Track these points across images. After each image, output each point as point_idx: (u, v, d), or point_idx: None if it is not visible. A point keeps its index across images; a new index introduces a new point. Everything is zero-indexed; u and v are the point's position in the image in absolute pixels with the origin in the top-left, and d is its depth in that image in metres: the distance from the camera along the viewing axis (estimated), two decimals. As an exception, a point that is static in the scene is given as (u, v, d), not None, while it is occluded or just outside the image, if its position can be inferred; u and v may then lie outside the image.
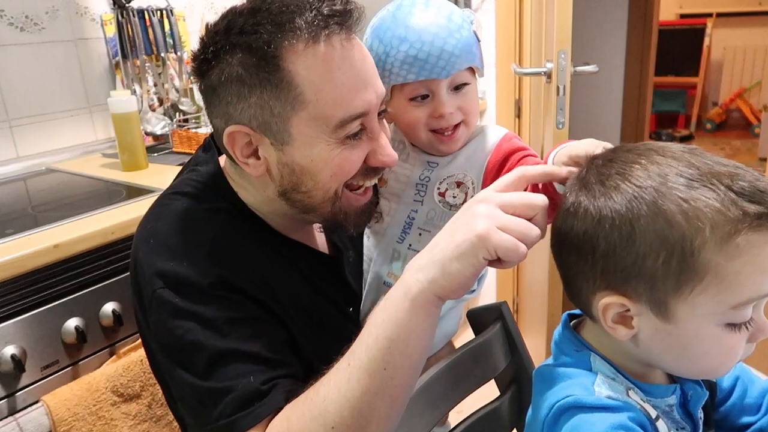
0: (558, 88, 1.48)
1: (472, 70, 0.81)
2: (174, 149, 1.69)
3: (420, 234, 0.85)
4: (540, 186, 0.67)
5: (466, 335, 0.89)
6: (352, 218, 0.77)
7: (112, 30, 1.68)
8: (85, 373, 1.10)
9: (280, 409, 0.66)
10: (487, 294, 2.38)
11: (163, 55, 1.79)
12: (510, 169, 0.78)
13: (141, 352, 1.12)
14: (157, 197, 0.80)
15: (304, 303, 0.78)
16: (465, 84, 0.81)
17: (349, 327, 0.85)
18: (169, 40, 1.79)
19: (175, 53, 1.81)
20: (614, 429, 0.47)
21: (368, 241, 0.90)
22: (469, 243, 0.56)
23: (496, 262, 0.57)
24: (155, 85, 1.81)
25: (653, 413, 0.53)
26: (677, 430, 0.57)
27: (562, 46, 1.46)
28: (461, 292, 0.59)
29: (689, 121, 5.14)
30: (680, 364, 0.54)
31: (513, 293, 2.33)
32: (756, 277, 0.48)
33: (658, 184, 0.49)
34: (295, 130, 0.68)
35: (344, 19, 0.68)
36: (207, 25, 0.71)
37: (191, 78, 0.70)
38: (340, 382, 0.61)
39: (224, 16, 0.70)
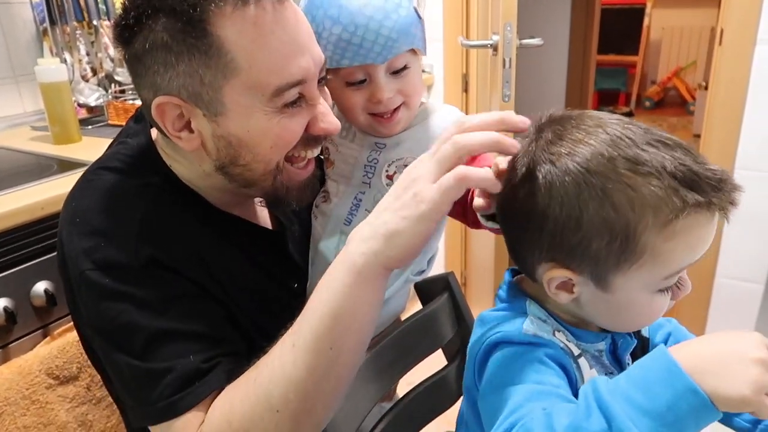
0: (504, 60, 1.49)
1: (413, 50, 0.77)
2: (110, 122, 1.61)
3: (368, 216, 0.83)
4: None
5: (415, 308, 0.89)
6: (294, 193, 0.74)
7: (38, -6, 1.58)
8: (16, 356, 1.04)
9: (222, 388, 0.64)
10: (435, 267, 2.39)
11: (95, 22, 1.69)
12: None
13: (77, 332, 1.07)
14: (84, 172, 0.74)
15: (244, 280, 0.75)
16: (405, 67, 0.76)
17: (294, 303, 0.83)
18: (102, 6, 1.69)
19: (109, 20, 1.71)
20: (529, 361, 0.52)
21: (316, 221, 0.87)
22: (417, 211, 0.54)
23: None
24: (88, 54, 1.71)
25: (576, 351, 0.56)
26: (606, 374, 0.60)
27: (508, 19, 1.46)
28: (410, 261, 0.58)
29: (629, 98, 5.29)
30: (613, 323, 0.58)
31: (461, 266, 2.36)
32: (686, 252, 0.52)
33: (607, 169, 0.50)
34: (228, 99, 0.64)
35: None
36: None
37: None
38: (285, 364, 0.59)
39: None
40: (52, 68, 1.38)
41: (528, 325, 0.56)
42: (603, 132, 0.52)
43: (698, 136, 1.78)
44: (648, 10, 5.13)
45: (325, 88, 0.73)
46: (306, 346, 0.58)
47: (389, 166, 0.81)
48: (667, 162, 0.49)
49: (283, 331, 0.62)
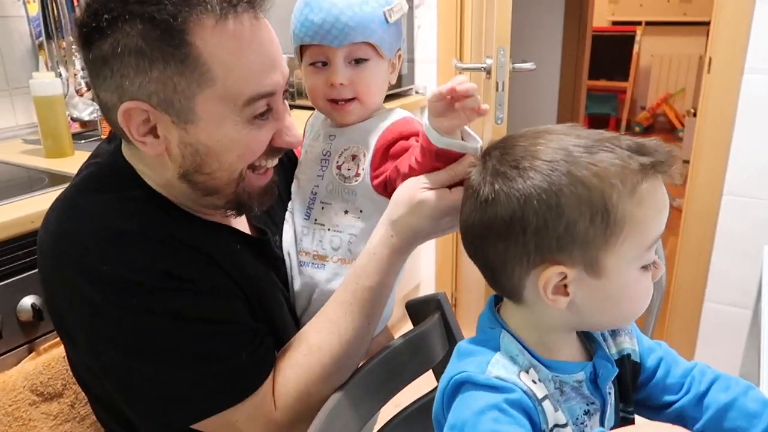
0: (497, 83, 1.51)
1: (374, 48, 0.82)
2: (103, 136, 1.60)
3: (323, 207, 0.86)
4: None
5: (405, 328, 0.89)
6: (256, 198, 0.76)
7: (35, 8, 1.58)
8: (0, 372, 1.02)
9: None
10: (426, 287, 2.39)
11: (91, 37, 1.70)
12: (395, 155, 0.81)
13: (63, 349, 1.06)
14: (57, 198, 0.73)
15: (252, 274, 0.77)
16: (364, 60, 0.82)
17: (281, 298, 0.84)
18: (99, 22, 1.70)
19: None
20: (488, 408, 0.53)
21: (285, 224, 0.90)
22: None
23: None
24: (83, 68, 1.71)
25: (540, 394, 0.56)
26: (587, 404, 0.61)
27: (502, 43, 1.48)
28: None
29: (619, 124, 5.36)
30: (609, 316, 0.60)
31: (452, 287, 2.35)
32: (657, 217, 0.56)
33: (565, 155, 0.54)
34: (200, 108, 0.65)
35: None
36: None
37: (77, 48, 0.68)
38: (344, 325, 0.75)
39: None
40: (46, 82, 1.38)
41: (493, 366, 0.56)
42: (547, 133, 0.57)
43: (687, 161, 1.80)
44: (638, 38, 5.22)
45: (286, 102, 0.75)
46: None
47: (339, 156, 0.85)
48: (613, 140, 0.55)
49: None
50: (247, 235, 0.83)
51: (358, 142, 0.84)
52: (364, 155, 0.83)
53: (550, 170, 0.53)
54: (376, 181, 0.83)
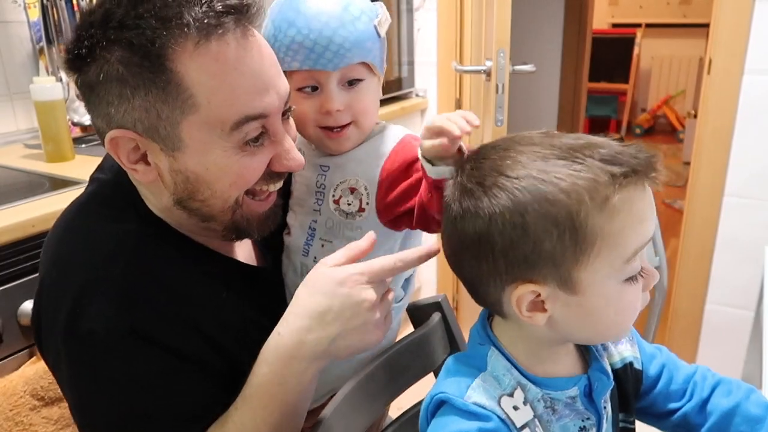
0: (497, 86, 1.51)
1: (368, 67, 0.76)
2: (103, 141, 1.61)
3: (322, 245, 0.81)
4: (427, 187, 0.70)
5: (407, 330, 0.89)
6: (255, 225, 0.72)
7: (35, 14, 1.59)
8: (1, 376, 1.02)
9: None
10: (427, 290, 2.39)
11: (92, 42, 1.70)
12: (413, 183, 0.75)
13: (64, 353, 1.06)
14: (62, 213, 0.73)
15: (236, 322, 0.72)
16: (359, 80, 0.76)
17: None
18: (99, 27, 1.71)
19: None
20: None
21: (283, 255, 0.87)
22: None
23: None
24: (83, 73, 1.72)
25: (521, 421, 0.55)
26: (582, 420, 0.59)
27: (501, 45, 1.49)
28: None
29: (620, 126, 5.36)
30: (593, 331, 0.57)
31: (453, 290, 2.35)
32: (635, 227, 0.52)
33: (532, 171, 0.52)
34: (186, 135, 0.62)
35: (240, 15, 0.62)
36: (81, 12, 0.64)
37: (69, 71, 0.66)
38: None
39: (101, 4, 0.62)
40: (47, 87, 1.39)
41: (473, 390, 0.55)
42: (519, 144, 0.55)
43: (688, 163, 1.81)
44: (638, 40, 5.23)
45: (290, 120, 0.72)
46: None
47: (335, 189, 0.80)
48: (585, 150, 0.52)
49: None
50: (246, 266, 0.80)
51: (356, 174, 0.79)
52: (366, 188, 0.78)
53: (514, 188, 0.51)
54: (385, 219, 0.79)
